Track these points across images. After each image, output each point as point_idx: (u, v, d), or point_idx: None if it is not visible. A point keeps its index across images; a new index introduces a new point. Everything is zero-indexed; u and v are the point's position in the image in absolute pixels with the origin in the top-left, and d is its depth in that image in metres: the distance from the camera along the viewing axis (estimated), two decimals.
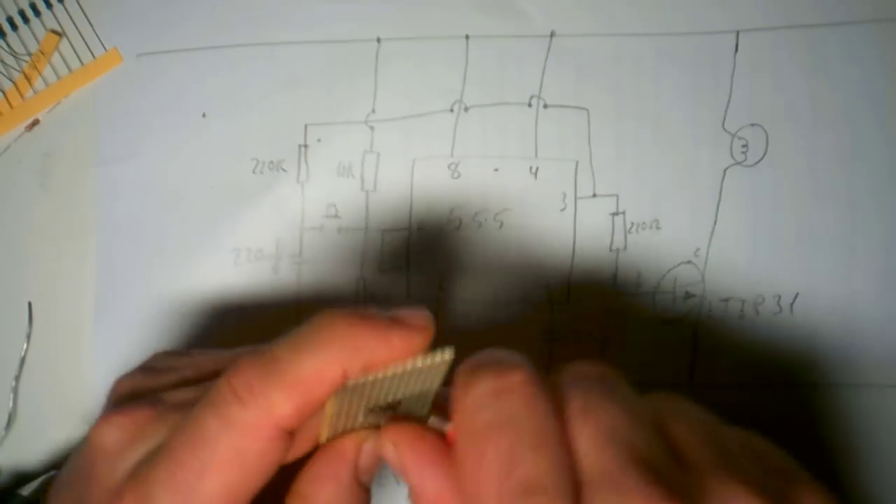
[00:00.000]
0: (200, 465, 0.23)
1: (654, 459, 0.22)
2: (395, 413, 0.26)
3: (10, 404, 0.40)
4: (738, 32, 0.38)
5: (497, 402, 0.23)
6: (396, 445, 0.25)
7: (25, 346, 0.40)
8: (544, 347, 0.38)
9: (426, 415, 0.26)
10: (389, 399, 0.25)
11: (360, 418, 0.26)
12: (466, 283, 0.39)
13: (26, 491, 0.35)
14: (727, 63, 0.38)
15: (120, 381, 0.29)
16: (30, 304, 0.40)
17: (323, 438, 0.26)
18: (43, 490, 0.35)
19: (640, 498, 0.21)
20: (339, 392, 0.24)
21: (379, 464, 0.26)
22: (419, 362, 0.24)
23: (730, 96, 0.38)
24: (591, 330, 0.38)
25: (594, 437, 0.23)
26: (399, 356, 0.24)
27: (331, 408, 0.24)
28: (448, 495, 0.24)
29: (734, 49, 0.38)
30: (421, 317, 0.25)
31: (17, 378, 0.40)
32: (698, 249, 0.38)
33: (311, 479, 0.26)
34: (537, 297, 0.39)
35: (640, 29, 0.38)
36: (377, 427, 0.26)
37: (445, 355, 0.24)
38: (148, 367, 0.29)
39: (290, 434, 0.24)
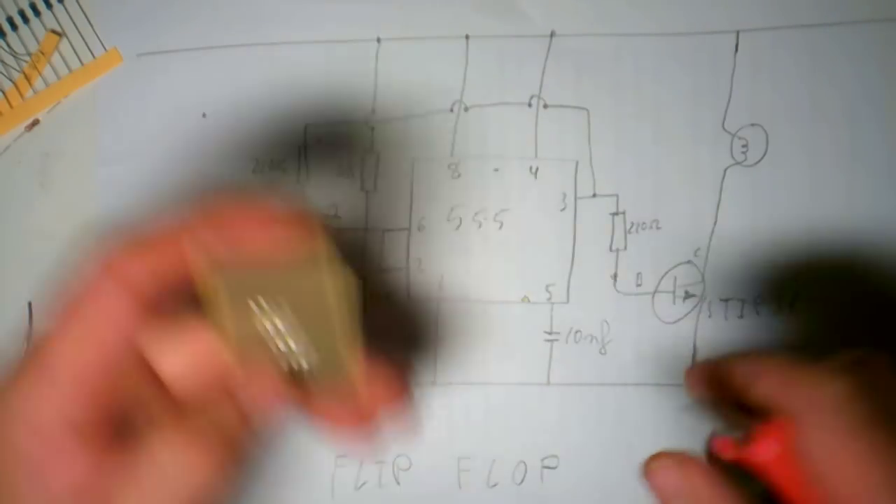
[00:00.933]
0: (53, 321, 0.23)
1: None
2: (290, 331, 0.24)
3: None
4: (738, 32, 0.38)
5: (868, 392, 0.25)
6: (658, 472, 0.26)
7: (25, 346, 0.40)
8: (544, 347, 0.38)
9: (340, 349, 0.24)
10: (277, 300, 0.24)
11: (254, 326, 0.24)
12: (466, 282, 0.39)
13: None
14: (727, 63, 0.38)
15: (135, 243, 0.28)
16: (30, 304, 0.40)
17: (225, 347, 0.24)
18: None
19: None
20: (213, 275, 0.23)
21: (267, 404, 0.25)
22: (291, 266, 0.23)
23: (730, 96, 0.38)
24: (591, 330, 0.38)
25: None
26: (263, 243, 0.23)
27: (209, 294, 0.23)
28: None
29: (734, 49, 0.38)
30: (294, 210, 0.24)
31: None
32: (698, 249, 0.38)
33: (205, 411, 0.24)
34: (537, 296, 0.39)
35: (640, 29, 0.38)
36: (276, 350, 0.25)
37: (339, 276, 0.23)
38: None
39: (151, 305, 0.23)
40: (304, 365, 0.25)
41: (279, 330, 0.24)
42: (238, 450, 0.24)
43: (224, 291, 0.23)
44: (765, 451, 0.25)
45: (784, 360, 0.26)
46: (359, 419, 0.26)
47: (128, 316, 0.23)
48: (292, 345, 0.25)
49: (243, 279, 0.23)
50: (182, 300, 0.24)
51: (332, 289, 0.23)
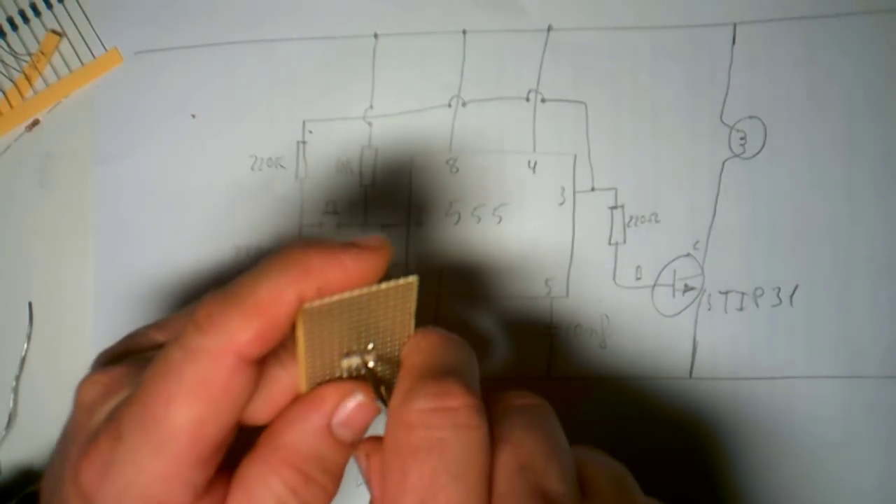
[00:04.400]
0: (167, 395, 0.23)
1: (560, 494, 0.24)
2: (371, 355, 0.26)
3: (10, 404, 0.40)
4: (735, 25, 0.38)
5: (431, 422, 0.24)
6: (368, 456, 0.26)
7: (25, 346, 0.40)
8: (544, 341, 0.38)
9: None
10: (362, 338, 0.26)
11: (337, 363, 0.26)
12: (466, 277, 0.39)
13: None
14: (724, 56, 0.38)
15: (101, 353, 0.29)
16: (30, 304, 0.40)
17: (303, 388, 0.26)
18: None
19: None
20: (306, 321, 0.24)
21: (360, 423, 0.26)
22: (379, 287, 0.24)
23: (727, 89, 0.38)
24: (591, 324, 0.38)
25: (508, 465, 0.25)
26: (354, 278, 0.24)
27: (301, 342, 0.25)
28: None
29: (731, 41, 0.38)
30: (374, 239, 0.25)
31: (17, 378, 0.40)
32: (697, 242, 0.38)
33: (283, 421, 0.26)
34: (537, 291, 0.38)
35: (637, 22, 0.39)
36: (359, 377, 0.26)
37: (409, 279, 0.25)
38: (127, 337, 0.30)
39: (256, 365, 0.24)
40: (371, 365, 0.27)
41: (360, 359, 0.26)
42: (338, 475, 0.26)
43: (310, 329, 0.25)
44: None
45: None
46: None
47: (246, 387, 0.24)
48: (366, 359, 0.26)
49: (328, 313, 0.24)
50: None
51: (407, 308, 0.26)
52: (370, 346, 0.26)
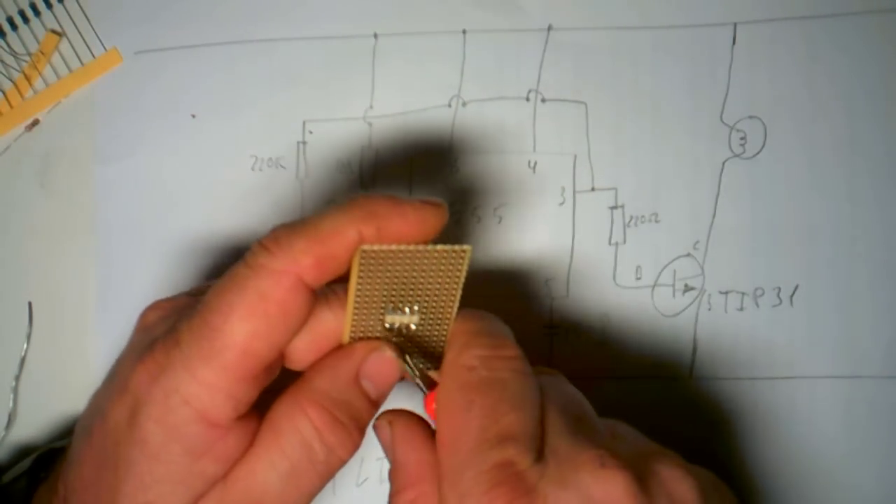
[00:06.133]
0: (228, 306, 0.25)
1: (602, 436, 0.28)
2: (414, 318, 0.28)
3: (10, 404, 0.39)
4: (735, 25, 0.38)
5: (490, 365, 0.27)
6: (392, 423, 0.28)
7: (25, 346, 0.40)
8: (544, 341, 0.38)
9: (443, 334, 0.28)
10: (409, 297, 0.27)
11: (382, 319, 0.28)
12: (465, 277, 0.38)
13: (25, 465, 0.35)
14: (725, 56, 0.38)
15: (147, 310, 0.30)
16: (30, 304, 0.40)
17: (345, 337, 0.28)
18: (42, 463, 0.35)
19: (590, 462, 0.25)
20: (362, 262, 0.25)
21: (383, 379, 0.28)
22: (435, 246, 0.26)
23: (727, 89, 0.38)
24: (591, 323, 0.38)
25: (559, 409, 0.27)
26: (413, 228, 0.26)
27: (353, 283, 0.26)
28: (427, 466, 0.27)
29: (731, 41, 0.38)
30: (435, 200, 0.27)
31: (17, 378, 0.40)
32: (697, 242, 0.38)
33: (316, 367, 0.28)
34: (537, 290, 0.39)
35: (637, 22, 0.39)
36: (399, 338, 0.28)
37: (464, 247, 0.26)
38: (172, 297, 0.31)
39: (312, 293, 0.26)
40: (413, 328, 0.28)
41: (403, 318, 0.28)
42: (361, 426, 0.28)
43: (365, 275, 0.26)
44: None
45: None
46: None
47: (300, 312, 0.26)
48: (405, 316, 0.28)
49: (383, 263, 0.26)
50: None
51: (458, 275, 0.27)
52: (415, 308, 0.28)
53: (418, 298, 0.27)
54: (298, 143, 0.40)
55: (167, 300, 0.29)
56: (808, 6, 0.38)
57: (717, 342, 0.38)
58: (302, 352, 0.28)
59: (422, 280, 0.27)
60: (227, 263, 0.39)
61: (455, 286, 0.27)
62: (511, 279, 0.39)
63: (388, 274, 0.26)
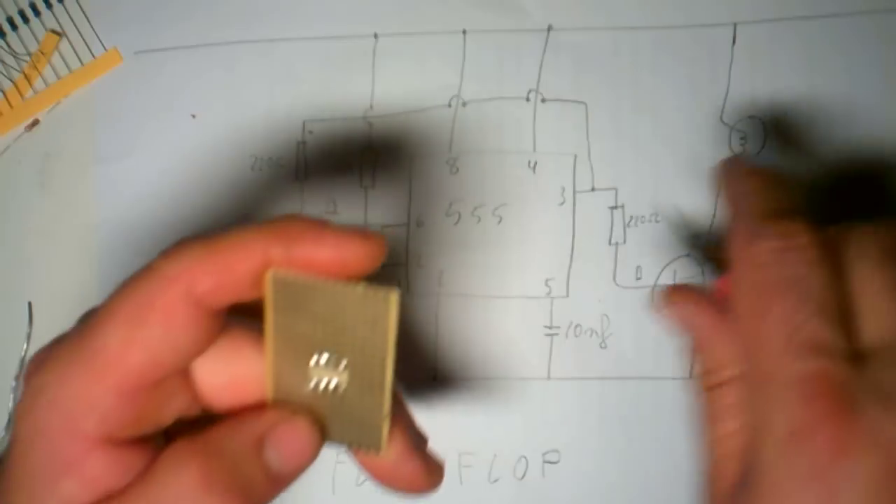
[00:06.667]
0: (107, 308, 0.22)
1: None
2: (343, 375, 0.23)
3: (10, 404, 0.39)
4: (735, 25, 0.38)
5: (783, 260, 0.24)
6: (676, 303, 0.28)
7: (25, 346, 0.40)
8: (544, 341, 0.38)
9: (379, 404, 0.23)
10: (336, 347, 0.23)
11: (308, 368, 0.24)
12: (466, 277, 0.39)
13: None
14: (725, 55, 0.38)
15: None
16: (30, 304, 0.40)
17: (269, 393, 0.24)
18: None
19: None
20: (275, 291, 0.23)
21: (298, 456, 0.24)
22: (354, 286, 0.22)
23: (728, 89, 0.38)
24: (591, 324, 0.38)
25: (879, 304, 0.24)
26: (330, 258, 0.23)
27: (269, 315, 0.23)
28: (727, 344, 0.26)
29: (731, 41, 0.38)
30: (368, 230, 0.23)
31: (17, 378, 0.40)
32: (698, 242, 0.38)
33: (224, 419, 0.24)
34: (537, 291, 0.38)
35: (637, 22, 0.39)
36: (320, 410, 0.24)
37: (388, 291, 0.22)
38: None
39: (209, 316, 0.23)
40: (339, 388, 0.24)
41: (325, 358, 0.24)
42: (252, 501, 0.23)
43: (281, 309, 0.23)
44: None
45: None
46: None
47: (188, 328, 0.23)
48: (333, 371, 0.24)
49: (300, 297, 0.23)
50: (235, 311, 0.24)
51: (385, 328, 0.22)
52: (343, 364, 0.23)
53: (346, 350, 0.23)
54: (298, 143, 0.40)
55: None
56: (808, 6, 0.38)
57: None
58: (218, 392, 0.24)
59: (348, 326, 0.23)
60: None
61: (381, 339, 0.23)
62: (511, 279, 0.39)
63: (308, 312, 0.23)
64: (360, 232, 0.23)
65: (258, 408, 0.24)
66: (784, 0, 0.38)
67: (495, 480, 0.38)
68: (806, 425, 0.23)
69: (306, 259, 0.23)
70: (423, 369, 0.39)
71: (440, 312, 0.39)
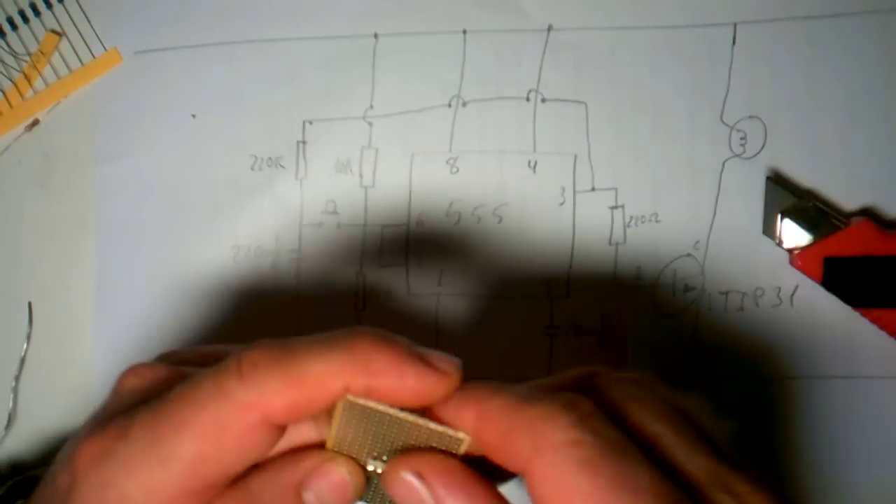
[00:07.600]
0: (181, 421, 0.23)
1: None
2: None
3: (10, 404, 0.40)
4: (735, 25, 0.38)
5: (588, 428, 0.22)
6: (425, 476, 0.24)
7: (25, 346, 0.40)
8: (544, 341, 0.38)
9: None
10: (395, 453, 0.24)
11: (366, 460, 0.25)
12: (466, 277, 0.39)
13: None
14: (725, 55, 0.38)
15: (166, 352, 0.29)
16: (30, 304, 0.40)
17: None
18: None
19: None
20: (344, 411, 0.23)
21: (336, 499, 0.25)
22: (427, 423, 0.23)
23: (728, 89, 0.38)
24: (591, 324, 0.38)
25: (681, 436, 0.24)
26: (409, 395, 0.23)
27: (334, 428, 0.24)
28: None
29: (732, 41, 0.38)
30: (448, 363, 0.24)
31: (17, 378, 0.40)
32: (698, 242, 0.38)
33: (264, 463, 0.25)
34: (537, 291, 0.38)
35: (637, 22, 0.39)
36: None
37: (460, 435, 0.23)
38: (199, 347, 0.30)
39: (278, 430, 0.24)
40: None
41: (380, 464, 0.25)
42: None
43: (346, 423, 0.24)
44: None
45: (502, 401, 0.24)
46: None
47: (260, 445, 0.23)
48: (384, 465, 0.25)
49: (368, 417, 0.23)
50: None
51: (448, 448, 0.24)
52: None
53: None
54: (298, 142, 0.40)
55: (149, 366, 0.27)
56: (808, 6, 0.38)
57: (716, 342, 0.38)
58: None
59: (410, 444, 0.24)
60: (226, 265, 0.39)
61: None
62: (511, 279, 0.39)
63: (374, 428, 0.24)
64: (443, 368, 0.23)
65: (288, 452, 0.25)
66: (784, 0, 0.38)
67: None
68: None
69: (385, 394, 0.23)
70: None
71: (440, 312, 0.39)
